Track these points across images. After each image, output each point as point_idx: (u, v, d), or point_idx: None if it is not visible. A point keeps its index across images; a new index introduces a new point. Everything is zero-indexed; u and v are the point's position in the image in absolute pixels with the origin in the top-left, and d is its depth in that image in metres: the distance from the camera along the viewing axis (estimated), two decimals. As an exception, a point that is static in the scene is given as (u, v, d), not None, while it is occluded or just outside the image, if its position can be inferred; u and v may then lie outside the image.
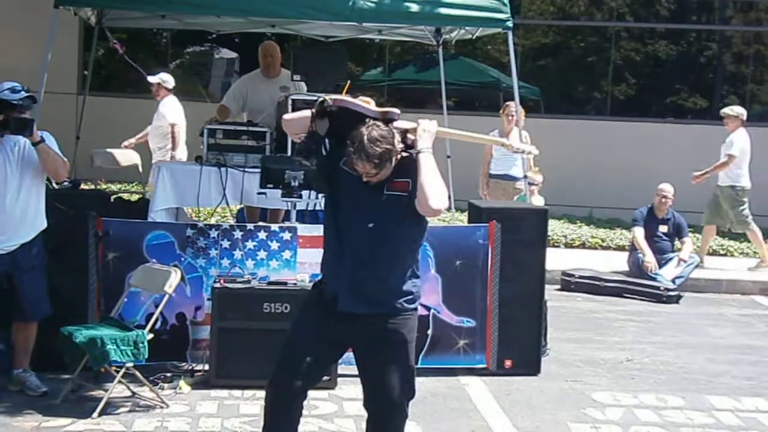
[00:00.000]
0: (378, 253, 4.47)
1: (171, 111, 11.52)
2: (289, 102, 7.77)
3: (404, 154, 4.48)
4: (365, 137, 4.33)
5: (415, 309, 4.64)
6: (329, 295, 4.57)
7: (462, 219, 10.15)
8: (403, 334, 4.55)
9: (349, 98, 4.52)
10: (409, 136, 4.53)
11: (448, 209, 11.42)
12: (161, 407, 6.28)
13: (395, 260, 4.52)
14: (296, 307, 5.22)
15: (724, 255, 13.15)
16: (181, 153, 11.43)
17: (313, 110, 4.49)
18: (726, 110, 12.33)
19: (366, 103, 4.51)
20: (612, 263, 11.94)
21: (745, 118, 12.20)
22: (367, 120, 4.42)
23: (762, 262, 12.07)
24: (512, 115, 11.26)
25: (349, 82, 4.62)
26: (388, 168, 4.43)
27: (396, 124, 4.49)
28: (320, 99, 4.49)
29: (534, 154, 5.21)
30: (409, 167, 4.47)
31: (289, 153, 7.94)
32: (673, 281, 11.00)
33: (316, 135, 4.52)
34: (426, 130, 4.50)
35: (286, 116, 4.79)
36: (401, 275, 4.54)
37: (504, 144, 5.47)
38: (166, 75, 11.65)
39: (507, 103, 11.48)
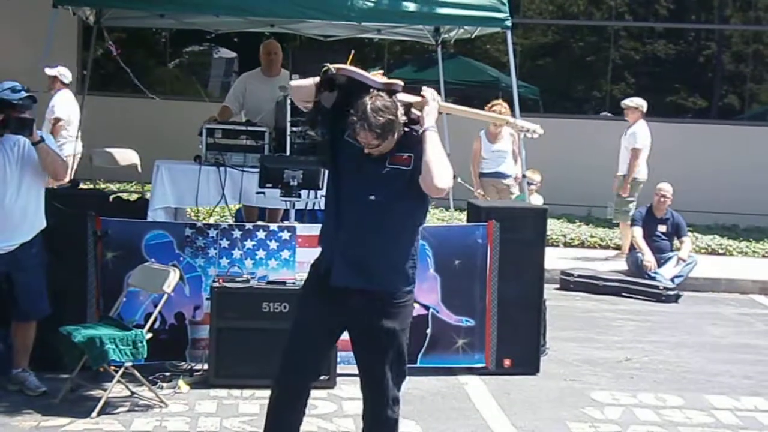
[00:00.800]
0: (376, 226, 4.49)
1: (59, 105, 11.37)
2: (288, 101, 7.77)
3: (407, 129, 4.50)
4: (368, 107, 4.36)
5: (411, 293, 4.66)
6: (324, 267, 4.59)
7: (461, 218, 10.16)
8: (397, 324, 4.58)
9: (352, 68, 4.54)
10: (413, 110, 4.54)
11: (448, 208, 11.45)
12: (160, 407, 6.27)
13: (393, 234, 4.54)
14: (295, 304, 5.22)
15: (723, 254, 13.16)
16: (69, 149, 11.33)
17: (318, 80, 4.51)
18: (626, 101, 12.29)
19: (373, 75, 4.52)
20: (611, 263, 11.94)
21: (645, 109, 12.16)
22: (371, 90, 4.44)
23: (621, 252, 12.04)
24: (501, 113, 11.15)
25: (353, 51, 4.62)
26: (391, 140, 4.45)
27: (399, 96, 4.50)
28: (324, 67, 4.49)
29: (539, 133, 5.10)
30: (412, 142, 4.49)
31: (288, 152, 7.94)
32: (672, 280, 11.00)
33: (321, 106, 4.54)
34: (431, 107, 4.53)
35: (293, 82, 4.85)
36: (398, 252, 4.56)
37: (508, 122, 5.42)
38: (64, 69, 11.47)
39: (492, 103, 11.33)
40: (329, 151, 4.62)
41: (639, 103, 12.19)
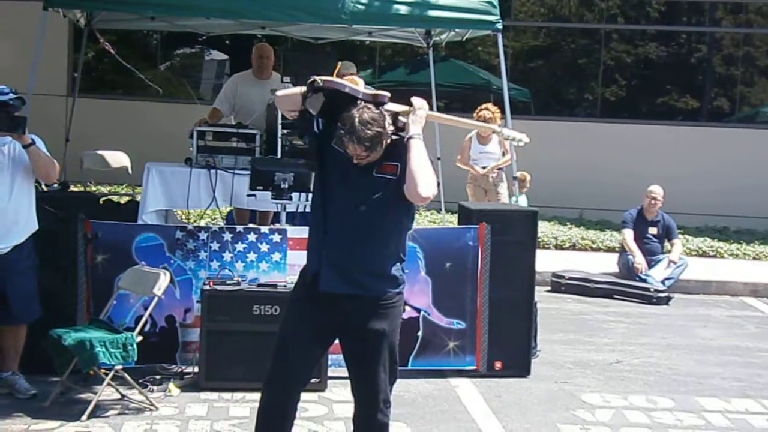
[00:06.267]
0: (363, 235, 4.49)
1: None
2: (279, 104, 7.75)
3: (395, 137, 4.50)
4: (356, 120, 4.35)
5: (400, 293, 4.65)
6: (311, 273, 4.58)
7: (452, 221, 10.15)
8: (386, 324, 4.57)
9: (339, 80, 4.54)
10: (401, 118, 4.54)
11: (439, 211, 11.44)
12: (150, 410, 6.25)
13: (380, 242, 4.53)
14: (285, 308, 5.22)
15: (714, 256, 13.19)
16: None
17: (305, 89, 4.51)
18: None
19: (354, 84, 4.52)
20: (602, 265, 11.96)
21: None
22: (359, 102, 4.44)
23: None
24: (487, 119, 11.09)
25: (340, 63, 4.63)
26: (379, 151, 4.44)
27: (387, 106, 4.50)
28: (311, 79, 4.50)
29: (525, 142, 5.15)
30: (399, 150, 4.48)
31: (279, 155, 7.93)
32: (662, 282, 11.01)
33: (306, 113, 4.55)
34: (418, 115, 4.52)
35: (279, 92, 4.80)
36: (386, 258, 4.55)
37: (495, 130, 5.47)
38: None
39: (480, 107, 11.29)
40: (315, 157, 4.62)
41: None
